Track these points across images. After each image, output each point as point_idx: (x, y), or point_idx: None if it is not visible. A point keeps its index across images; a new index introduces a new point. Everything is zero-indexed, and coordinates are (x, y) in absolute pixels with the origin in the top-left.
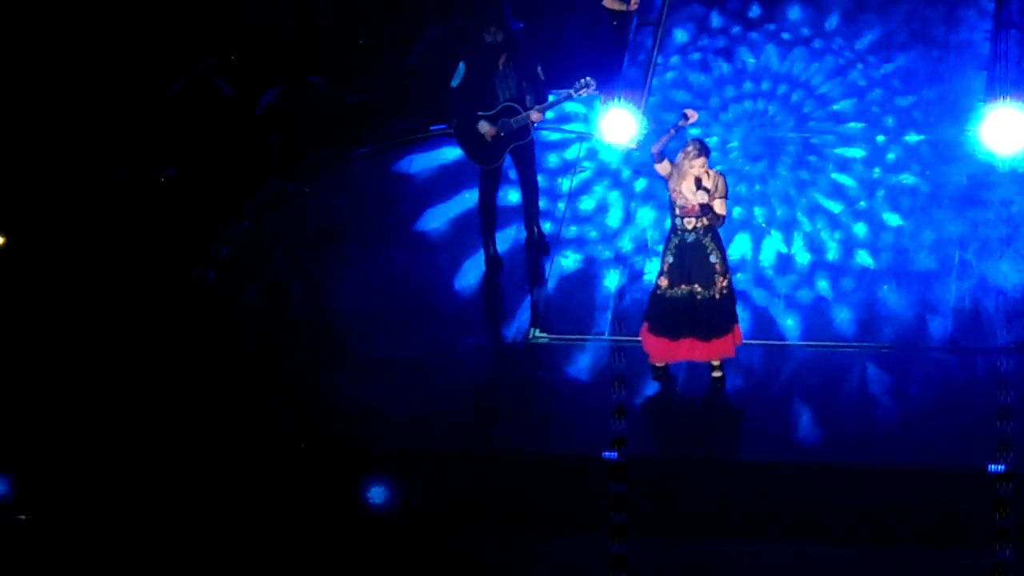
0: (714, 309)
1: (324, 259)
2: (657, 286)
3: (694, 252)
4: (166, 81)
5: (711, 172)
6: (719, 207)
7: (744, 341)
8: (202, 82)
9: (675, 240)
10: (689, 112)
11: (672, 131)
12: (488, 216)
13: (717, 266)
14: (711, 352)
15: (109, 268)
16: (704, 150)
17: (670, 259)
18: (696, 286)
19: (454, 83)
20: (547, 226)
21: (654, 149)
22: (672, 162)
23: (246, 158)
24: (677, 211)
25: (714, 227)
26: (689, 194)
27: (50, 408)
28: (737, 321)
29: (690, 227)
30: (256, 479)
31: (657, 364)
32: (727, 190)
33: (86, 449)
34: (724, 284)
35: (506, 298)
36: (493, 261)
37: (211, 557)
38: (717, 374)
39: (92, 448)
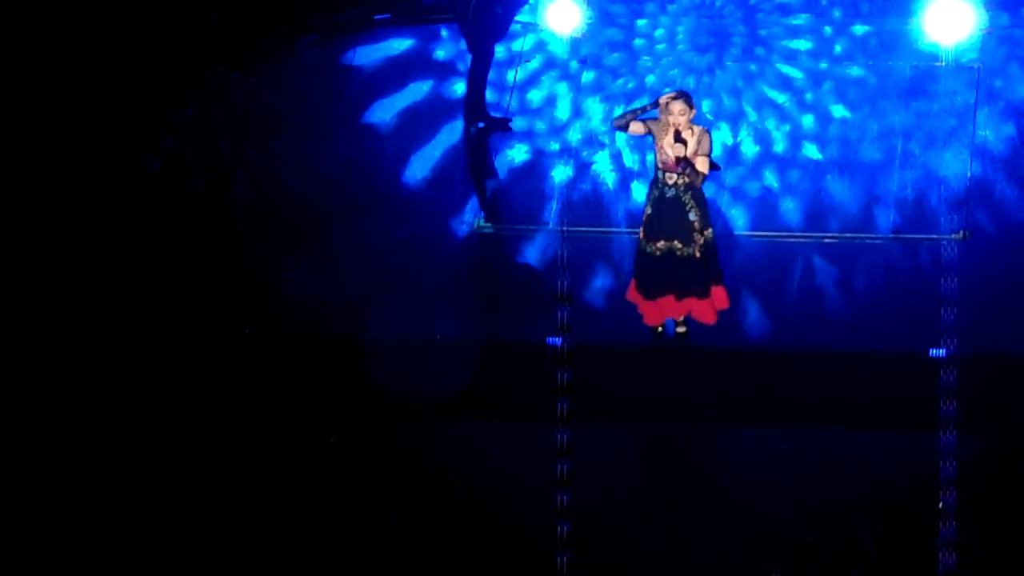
0: (693, 266)
1: (269, 148)
2: (639, 239)
3: (672, 208)
4: None
5: (695, 127)
6: (701, 165)
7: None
8: None
9: (655, 193)
10: (662, 100)
11: (637, 111)
12: None
13: (696, 223)
14: (690, 310)
15: (51, 158)
16: (688, 102)
17: (648, 210)
18: (676, 242)
19: None
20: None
21: (615, 124)
22: (646, 120)
23: (190, 47)
24: (659, 164)
25: (695, 184)
26: (668, 148)
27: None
28: (721, 283)
29: (670, 182)
30: (209, 369)
31: (653, 325)
32: (711, 147)
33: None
34: (702, 242)
35: (452, 189)
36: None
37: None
38: (681, 329)
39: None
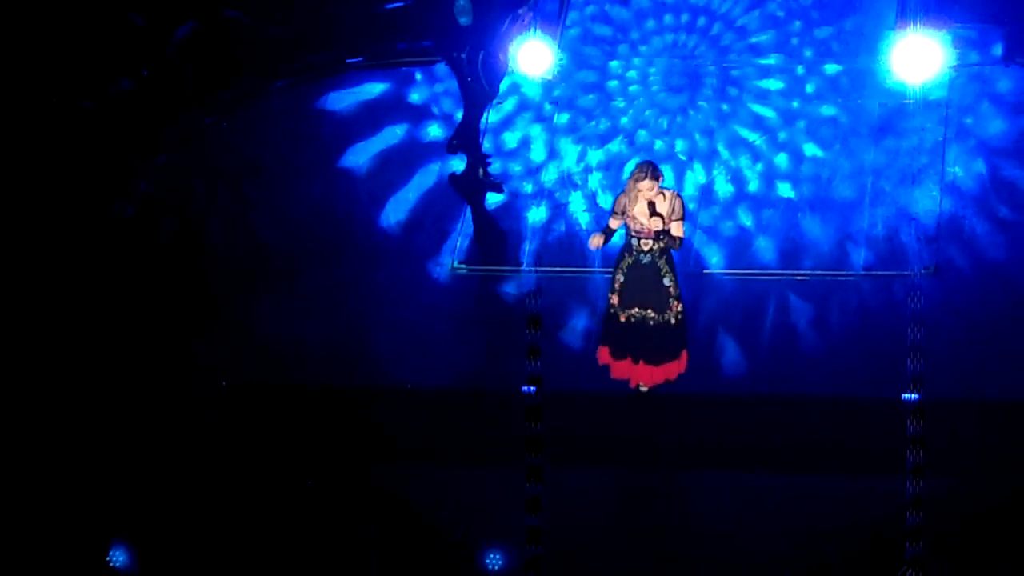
0: (667, 334)
1: (243, 193)
2: (610, 304)
3: (647, 274)
4: (78, 14)
5: (666, 192)
6: (676, 230)
7: None
8: (114, 15)
9: (628, 260)
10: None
11: (606, 233)
12: None
13: (671, 289)
14: (656, 375)
15: (24, 202)
16: (654, 173)
17: (621, 278)
18: (649, 311)
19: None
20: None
21: (592, 245)
22: (619, 214)
23: (163, 92)
24: (632, 232)
25: (670, 248)
26: (643, 219)
27: None
28: (687, 347)
29: (646, 248)
30: (179, 414)
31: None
32: (684, 210)
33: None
34: (679, 309)
35: (428, 232)
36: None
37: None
38: (644, 388)
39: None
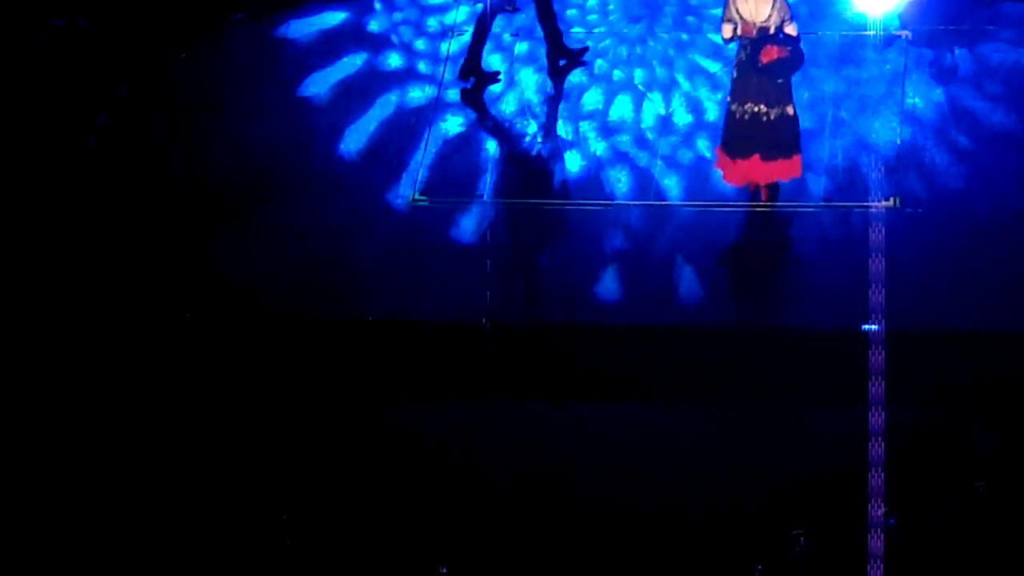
0: (780, 129)
1: (204, 125)
2: (728, 103)
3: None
4: None
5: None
6: (791, 30)
7: (626, 203)
8: None
9: (741, 55)
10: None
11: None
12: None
13: (782, 84)
14: (771, 172)
15: None
16: None
17: (735, 74)
18: (762, 106)
19: None
20: (429, 90)
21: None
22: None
23: (122, 24)
24: (742, 32)
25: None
26: (749, 19)
27: None
28: (800, 151)
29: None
30: (143, 346)
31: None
32: (791, 12)
33: None
34: (789, 107)
35: (388, 163)
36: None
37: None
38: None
39: None
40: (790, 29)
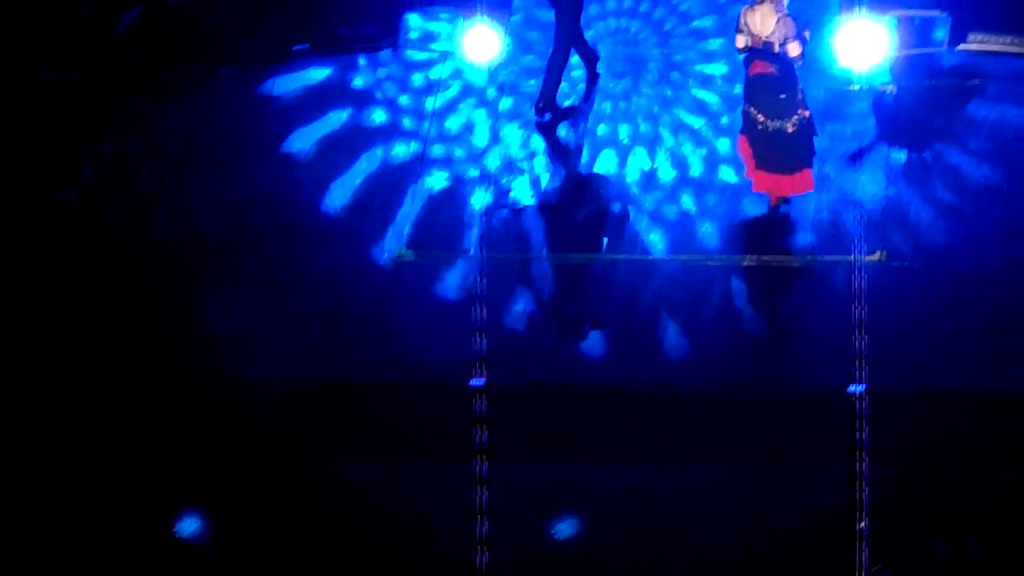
0: (788, 142)
1: (187, 179)
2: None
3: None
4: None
5: (779, 14)
6: (793, 50)
7: (610, 256)
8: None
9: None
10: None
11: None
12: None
13: (792, 96)
14: (784, 185)
15: None
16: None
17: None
18: (774, 120)
19: None
20: (413, 145)
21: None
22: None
23: (107, 78)
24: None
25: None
26: (756, 32)
27: None
28: (809, 165)
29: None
30: (126, 405)
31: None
32: (796, 32)
33: None
34: (796, 118)
35: (373, 217)
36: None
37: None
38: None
39: None
40: (792, 47)
